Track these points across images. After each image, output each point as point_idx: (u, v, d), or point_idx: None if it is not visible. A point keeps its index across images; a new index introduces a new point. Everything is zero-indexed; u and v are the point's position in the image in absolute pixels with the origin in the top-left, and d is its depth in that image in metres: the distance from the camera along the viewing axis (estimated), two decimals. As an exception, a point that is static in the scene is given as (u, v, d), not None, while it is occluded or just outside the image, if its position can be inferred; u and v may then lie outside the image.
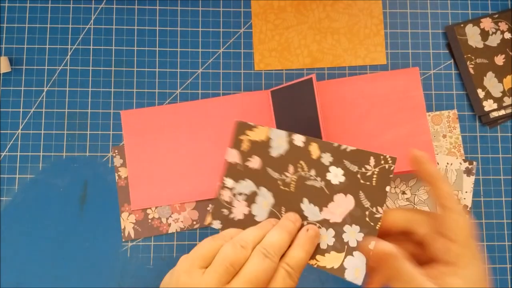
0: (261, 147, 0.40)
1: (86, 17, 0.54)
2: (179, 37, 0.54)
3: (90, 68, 0.53)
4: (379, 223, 0.36)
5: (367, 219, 0.36)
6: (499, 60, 0.54)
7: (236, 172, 0.40)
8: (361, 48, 0.54)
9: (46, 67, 0.53)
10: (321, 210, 0.38)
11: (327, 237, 0.37)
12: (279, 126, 0.51)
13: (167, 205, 0.51)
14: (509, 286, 0.51)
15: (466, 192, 0.52)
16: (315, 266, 0.36)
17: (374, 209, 0.36)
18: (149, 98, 0.53)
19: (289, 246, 0.35)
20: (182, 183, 0.51)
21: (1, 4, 0.53)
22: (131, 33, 0.54)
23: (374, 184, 0.37)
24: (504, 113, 0.53)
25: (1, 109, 0.52)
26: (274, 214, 0.39)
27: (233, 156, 0.41)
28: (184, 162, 0.51)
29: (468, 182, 0.52)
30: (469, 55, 0.54)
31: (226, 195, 0.40)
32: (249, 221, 0.39)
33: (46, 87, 0.53)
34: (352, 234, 0.36)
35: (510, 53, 0.54)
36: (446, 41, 0.55)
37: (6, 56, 0.52)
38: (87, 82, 0.53)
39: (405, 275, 0.32)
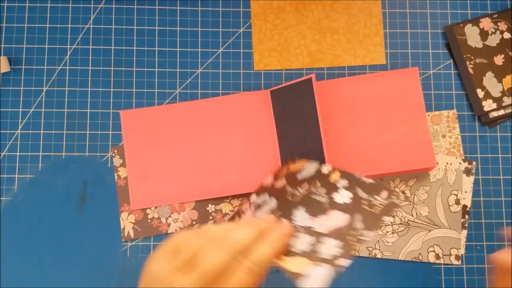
0: (292, 173, 0.44)
1: (85, 17, 0.54)
2: (179, 37, 0.54)
3: (90, 68, 0.53)
4: (360, 245, 0.37)
5: (351, 238, 0.36)
6: (499, 60, 0.54)
7: (262, 190, 0.45)
8: (361, 48, 0.54)
9: (45, 67, 0.53)
10: (311, 218, 0.38)
11: (303, 242, 0.37)
12: (278, 126, 0.51)
13: (167, 205, 0.51)
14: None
15: (466, 192, 0.52)
16: (280, 266, 0.36)
17: (364, 232, 0.36)
18: (148, 98, 0.53)
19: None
20: (182, 183, 0.51)
21: (1, 4, 0.53)
22: (130, 33, 0.54)
23: (376, 212, 0.37)
24: (504, 113, 0.53)
25: (1, 109, 0.52)
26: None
27: (267, 180, 0.46)
28: (184, 162, 0.51)
29: (468, 182, 0.52)
30: (469, 55, 0.54)
31: (245, 207, 0.44)
32: None
33: (45, 87, 0.52)
34: (330, 248, 0.36)
35: (510, 53, 0.54)
36: (445, 41, 0.55)
37: (5, 56, 0.52)
38: (86, 82, 0.53)
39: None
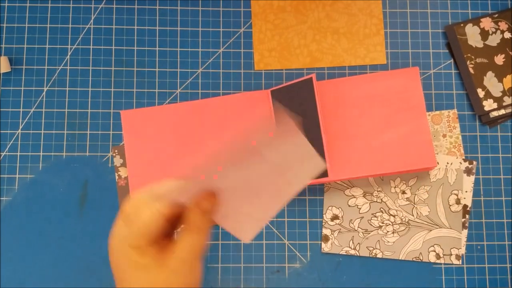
0: None
1: (86, 17, 0.54)
2: (179, 36, 0.54)
3: (90, 68, 0.53)
4: None
5: None
6: (499, 59, 0.54)
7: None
8: (361, 48, 0.54)
9: (46, 67, 0.53)
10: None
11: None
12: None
13: (167, 205, 0.51)
14: (509, 286, 0.51)
15: (466, 191, 0.52)
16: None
17: None
18: (149, 98, 0.53)
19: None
20: (182, 183, 0.51)
21: (1, 4, 0.53)
22: (131, 33, 0.54)
23: None
24: (504, 112, 0.53)
25: (1, 109, 0.52)
26: None
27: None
28: (184, 162, 0.51)
29: (468, 182, 0.52)
30: (469, 55, 0.54)
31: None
32: None
33: (46, 87, 0.53)
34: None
35: (510, 52, 0.54)
36: (446, 40, 0.55)
37: (6, 56, 0.52)
38: (87, 82, 0.53)
39: None
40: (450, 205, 0.52)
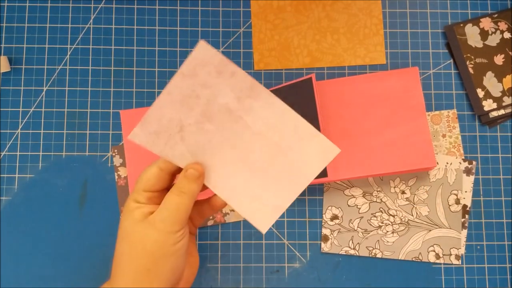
0: None
1: (86, 17, 0.54)
2: (179, 36, 0.54)
3: (90, 67, 0.53)
4: None
5: None
6: (499, 59, 0.54)
7: None
8: (361, 48, 0.54)
9: (45, 67, 0.53)
10: None
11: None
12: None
13: (167, 204, 0.51)
14: (509, 286, 0.51)
15: (466, 191, 0.52)
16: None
17: None
18: (148, 98, 0.53)
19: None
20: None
21: (1, 4, 0.53)
22: (131, 33, 0.54)
23: None
24: (504, 112, 0.53)
25: (1, 109, 0.52)
26: None
27: None
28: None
29: (468, 182, 0.52)
30: (469, 55, 0.54)
31: None
32: None
33: (45, 87, 0.53)
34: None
35: (510, 52, 0.54)
36: (445, 40, 0.55)
37: (5, 55, 0.52)
38: (86, 81, 0.53)
39: None
40: (450, 205, 0.52)
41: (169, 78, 0.53)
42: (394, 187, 0.52)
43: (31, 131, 0.52)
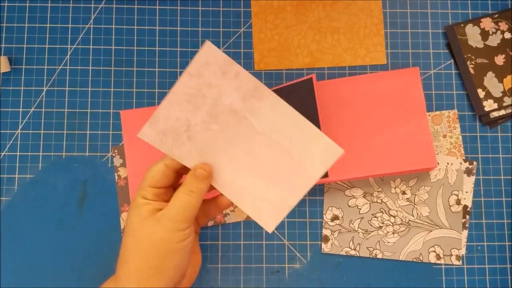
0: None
1: (86, 17, 0.54)
2: (179, 36, 0.54)
3: (90, 67, 0.53)
4: None
5: None
6: (499, 60, 0.54)
7: None
8: (361, 48, 0.54)
9: (45, 67, 0.53)
10: None
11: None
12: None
13: (167, 205, 0.51)
14: (509, 286, 0.51)
15: (467, 192, 0.52)
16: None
17: None
18: (148, 98, 0.53)
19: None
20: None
21: (1, 4, 0.53)
22: (131, 33, 0.54)
23: None
24: (504, 113, 0.53)
25: (1, 109, 0.52)
26: None
27: None
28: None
29: (469, 182, 0.52)
30: (469, 55, 0.54)
31: None
32: None
33: (45, 87, 0.52)
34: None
35: (510, 53, 0.54)
36: (446, 41, 0.55)
37: (5, 55, 0.52)
38: (86, 81, 0.53)
39: None
40: (451, 206, 0.51)
41: (169, 78, 0.53)
42: (395, 187, 0.52)
43: (31, 131, 0.52)
